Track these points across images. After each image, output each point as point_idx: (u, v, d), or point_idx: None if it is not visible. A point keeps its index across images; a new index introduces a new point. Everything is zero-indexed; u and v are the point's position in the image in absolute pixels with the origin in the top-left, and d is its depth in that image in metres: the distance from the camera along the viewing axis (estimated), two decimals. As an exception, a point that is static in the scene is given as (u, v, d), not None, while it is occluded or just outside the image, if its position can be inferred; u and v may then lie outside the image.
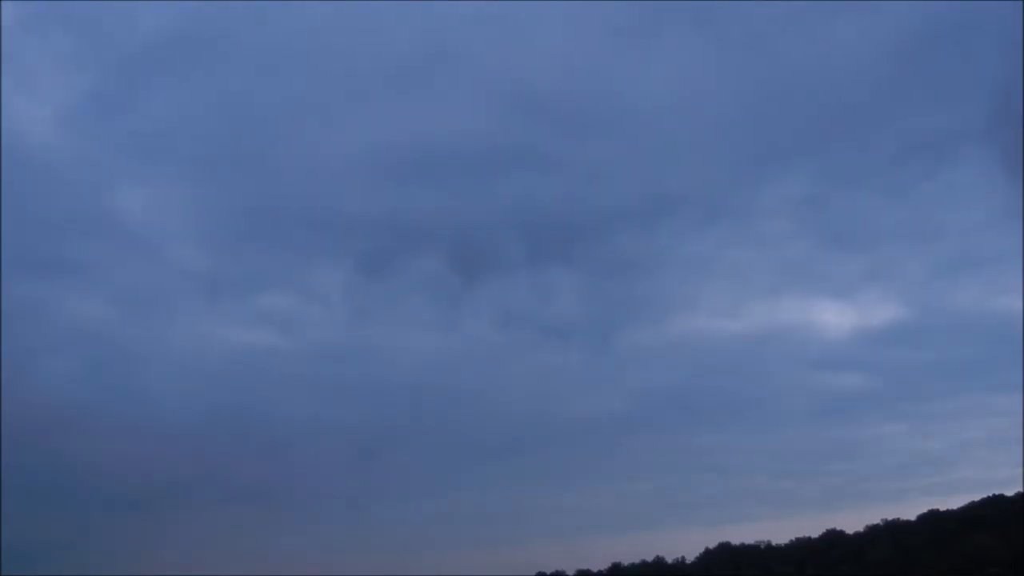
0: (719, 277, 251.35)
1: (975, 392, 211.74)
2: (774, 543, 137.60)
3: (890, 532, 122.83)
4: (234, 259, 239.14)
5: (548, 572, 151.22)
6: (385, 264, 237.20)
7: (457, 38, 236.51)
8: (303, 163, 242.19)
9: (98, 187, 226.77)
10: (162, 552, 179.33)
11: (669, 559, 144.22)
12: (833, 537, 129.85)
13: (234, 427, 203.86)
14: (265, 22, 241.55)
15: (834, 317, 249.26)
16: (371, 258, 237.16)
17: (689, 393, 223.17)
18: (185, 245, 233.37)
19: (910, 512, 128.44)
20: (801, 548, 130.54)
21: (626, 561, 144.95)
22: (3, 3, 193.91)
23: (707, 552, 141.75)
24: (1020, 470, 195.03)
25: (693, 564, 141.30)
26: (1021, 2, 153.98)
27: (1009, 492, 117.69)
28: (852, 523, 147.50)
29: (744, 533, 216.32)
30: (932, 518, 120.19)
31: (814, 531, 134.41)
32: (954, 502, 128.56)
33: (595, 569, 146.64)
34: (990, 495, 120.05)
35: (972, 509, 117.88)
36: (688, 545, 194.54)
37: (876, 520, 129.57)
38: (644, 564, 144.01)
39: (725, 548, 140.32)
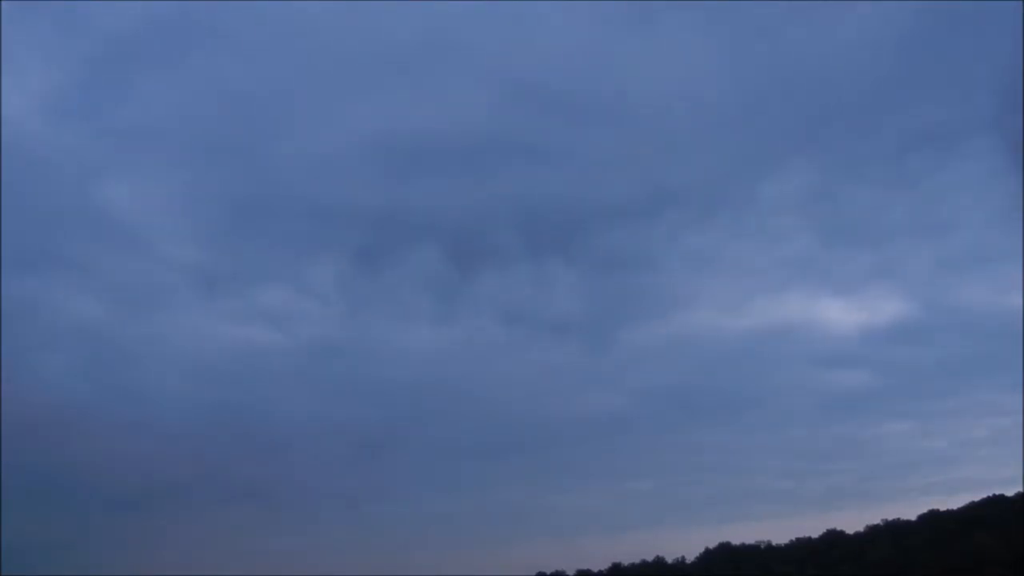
0: (721, 272, 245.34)
1: (979, 391, 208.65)
2: (774, 543, 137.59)
3: (890, 532, 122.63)
4: (229, 253, 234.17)
5: (548, 572, 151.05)
6: (382, 258, 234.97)
7: (455, 30, 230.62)
8: (298, 155, 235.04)
9: (87, 180, 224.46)
10: (161, 551, 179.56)
11: (669, 559, 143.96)
12: (833, 537, 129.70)
13: (232, 425, 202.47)
14: (258, 10, 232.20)
15: (837, 313, 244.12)
16: (368, 252, 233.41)
17: (690, 391, 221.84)
18: (179, 239, 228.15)
19: (910, 512, 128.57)
20: (801, 548, 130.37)
21: (626, 561, 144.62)
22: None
23: (707, 552, 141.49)
24: (1022, 470, 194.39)
25: (693, 564, 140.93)
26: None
27: (1010, 492, 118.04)
28: (852, 523, 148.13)
29: (744, 533, 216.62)
30: (932, 518, 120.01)
31: (814, 531, 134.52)
32: (956, 502, 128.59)
33: (595, 569, 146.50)
34: (990, 495, 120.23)
35: (972, 509, 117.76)
36: (688, 545, 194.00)
37: (876, 520, 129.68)
38: (644, 564, 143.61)
39: (725, 548, 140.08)
